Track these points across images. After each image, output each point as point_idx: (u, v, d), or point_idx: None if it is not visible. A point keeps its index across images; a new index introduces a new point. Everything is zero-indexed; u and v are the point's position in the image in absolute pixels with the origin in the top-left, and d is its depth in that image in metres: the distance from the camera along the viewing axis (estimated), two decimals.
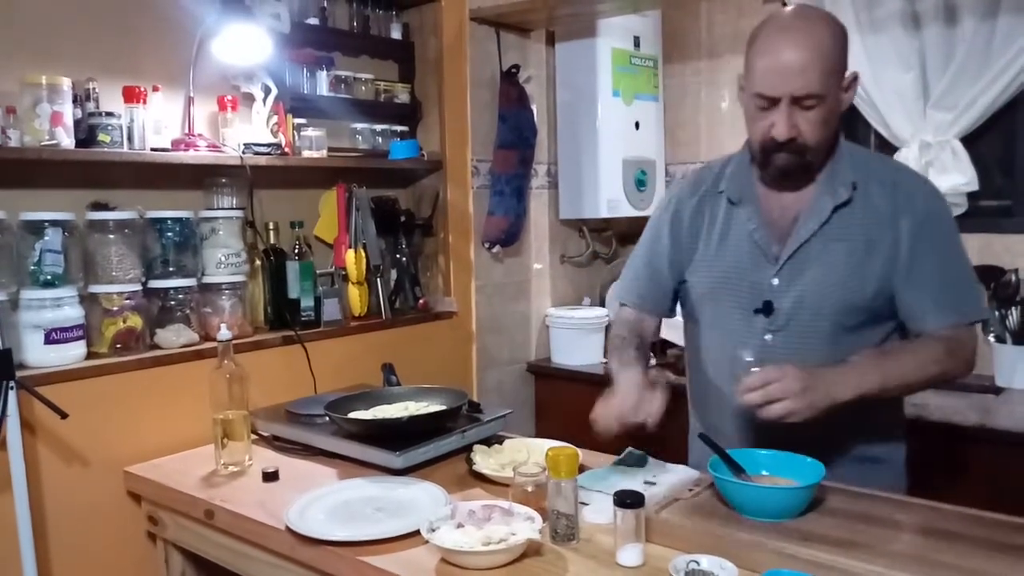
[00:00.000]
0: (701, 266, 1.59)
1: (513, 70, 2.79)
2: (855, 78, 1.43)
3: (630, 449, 1.70)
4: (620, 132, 2.95)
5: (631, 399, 1.44)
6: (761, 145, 1.44)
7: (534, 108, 2.87)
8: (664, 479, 1.54)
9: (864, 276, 1.43)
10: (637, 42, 3.00)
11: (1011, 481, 1.94)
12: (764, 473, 1.39)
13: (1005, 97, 2.46)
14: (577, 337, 2.94)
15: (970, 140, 2.54)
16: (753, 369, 1.35)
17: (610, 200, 2.93)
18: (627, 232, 3.34)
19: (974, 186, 2.49)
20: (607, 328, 2.99)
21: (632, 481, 1.51)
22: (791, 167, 1.43)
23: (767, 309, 1.48)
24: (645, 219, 3.18)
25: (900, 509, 1.32)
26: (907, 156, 2.55)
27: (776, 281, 1.48)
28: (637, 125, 3.01)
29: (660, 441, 1.79)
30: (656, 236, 1.67)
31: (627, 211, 2.99)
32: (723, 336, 1.57)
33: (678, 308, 1.73)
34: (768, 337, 1.49)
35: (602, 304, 3.08)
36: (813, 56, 1.34)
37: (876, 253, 1.43)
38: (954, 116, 2.51)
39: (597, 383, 2.80)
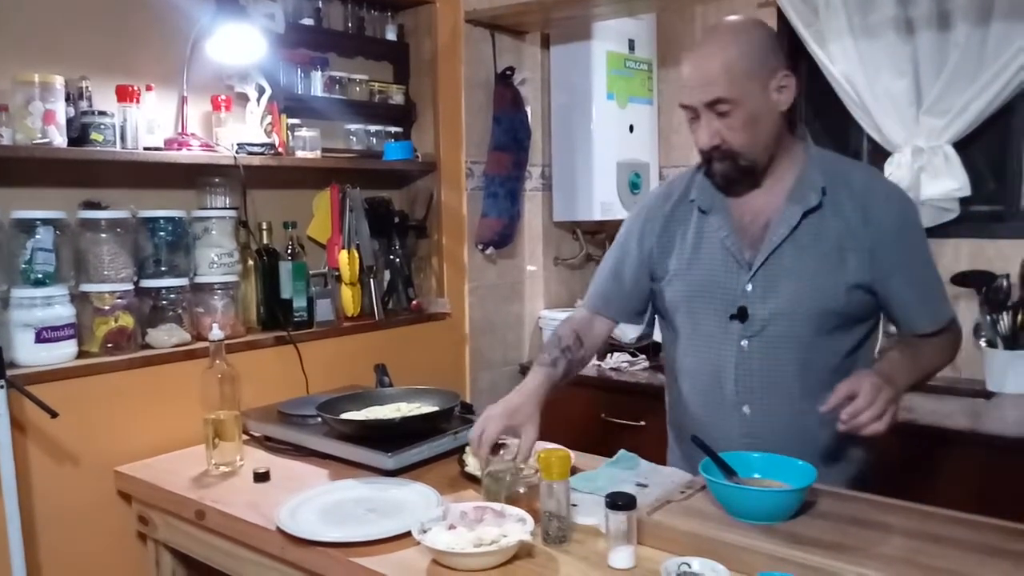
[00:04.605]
0: (676, 275, 1.58)
1: (508, 72, 2.79)
2: (786, 75, 1.44)
3: (623, 451, 1.70)
4: (614, 135, 2.95)
5: (506, 405, 1.50)
6: (700, 155, 1.50)
7: (528, 110, 2.87)
8: (656, 481, 1.54)
9: (837, 281, 1.44)
10: (632, 45, 3.00)
11: (1001, 485, 1.95)
12: (756, 476, 1.39)
13: (998, 103, 2.46)
14: None
15: (962, 145, 2.55)
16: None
17: (604, 202, 2.93)
18: None
19: (966, 191, 2.50)
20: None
21: (624, 483, 1.52)
22: (730, 173, 1.48)
23: (742, 315, 1.48)
24: None
25: (891, 512, 1.33)
26: (900, 161, 2.55)
27: (750, 287, 1.49)
28: (631, 128, 3.01)
29: (652, 444, 1.80)
30: (624, 244, 1.68)
31: (621, 214, 2.98)
32: (700, 343, 1.57)
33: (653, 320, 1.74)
34: (744, 343, 1.49)
35: None
36: (716, 65, 1.40)
37: (849, 258, 1.44)
38: (947, 121, 2.52)
39: (590, 385, 2.83)
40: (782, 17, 2.88)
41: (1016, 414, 2.17)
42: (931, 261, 1.51)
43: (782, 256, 1.47)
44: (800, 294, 1.45)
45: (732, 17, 1.54)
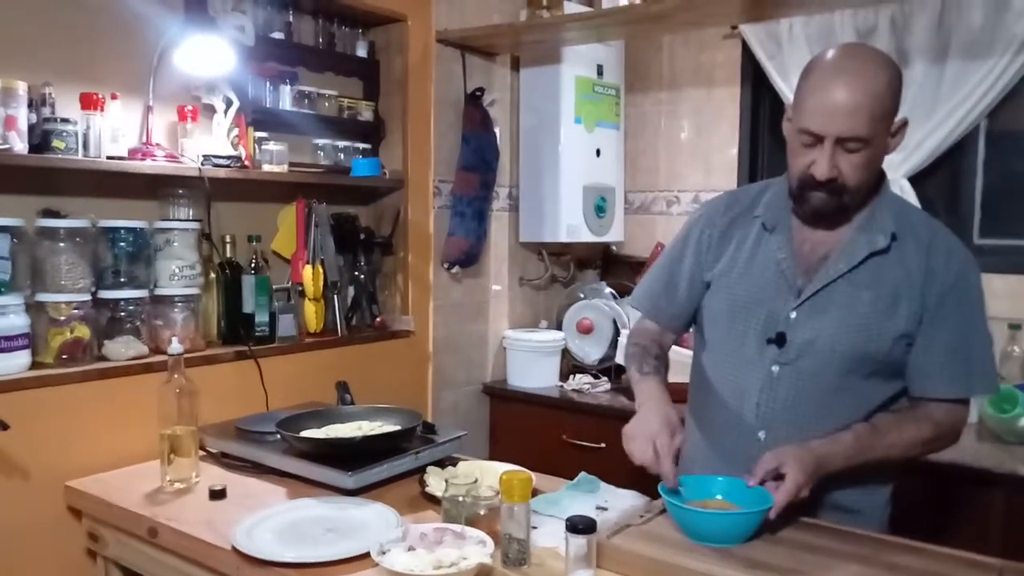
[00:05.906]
0: (722, 285, 1.56)
1: (477, 93, 2.81)
2: (904, 123, 1.41)
3: (583, 474, 1.71)
4: (581, 158, 2.98)
5: (660, 416, 1.41)
6: (800, 180, 1.42)
7: (497, 131, 2.89)
8: (616, 504, 1.55)
9: (884, 328, 1.41)
10: (600, 71, 3.04)
11: (959, 516, 1.98)
12: (718, 498, 1.40)
13: (952, 139, 2.55)
14: (534, 360, 2.95)
15: (917, 180, 2.63)
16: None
17: (570, 225, 2.95)
18: (586, 257, 3.37)
19: None
20: (563, 352, 3.01)
21: (584, 506, 1.52)
22: (826, 207, 1.41)
23: (780, 340, 1.46)
24: (604, 245, 3.28)
25: (845, 540, 1.35)
26: None
27: (794, 315, 1.46)
28: (598, 152, 3.04)
29: (613, 467, 1.80)
30: (681, 251, 1.64)
31: (586, 236, 3.02)
32: (730, 359, 1.55)
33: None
34: (775, 368, 1.47)
35: (559, 327, 3.09)
36: (864, 100, 1.32)
37: (901, 309, 1.41)
38: (903, 156, 2.59)
39: (553, 406, 2.84)
40: (746, 48, 2.95)
41: (971, 444, 2.20)
42: (976, 329, 1.44)
43: (835, 290, 1.44)
44: (843, 331, 1.42)
45: (862, 45, 1.41)
